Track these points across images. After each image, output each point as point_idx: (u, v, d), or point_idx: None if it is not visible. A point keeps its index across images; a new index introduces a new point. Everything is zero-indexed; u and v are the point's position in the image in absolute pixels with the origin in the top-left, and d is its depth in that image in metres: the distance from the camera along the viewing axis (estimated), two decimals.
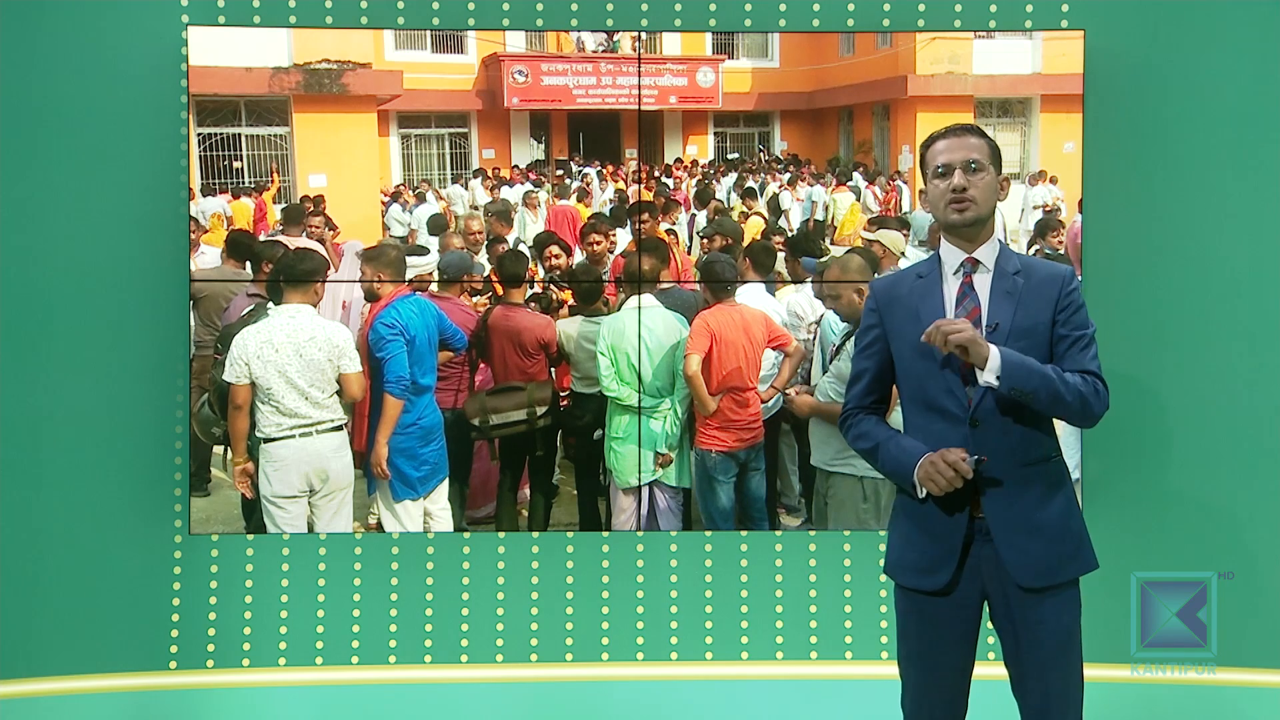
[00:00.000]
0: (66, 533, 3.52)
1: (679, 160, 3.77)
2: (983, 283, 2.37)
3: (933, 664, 2.41)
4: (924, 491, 2.34)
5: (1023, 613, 2.33)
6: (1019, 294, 2.34)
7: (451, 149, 3.77)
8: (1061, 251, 3.61)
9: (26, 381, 3.51)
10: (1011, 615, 2.35)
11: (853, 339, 3.45)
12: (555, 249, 3.69)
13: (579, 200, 3.81)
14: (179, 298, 3.50)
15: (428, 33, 3.61)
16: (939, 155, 2.36)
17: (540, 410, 3.61)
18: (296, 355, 3.42)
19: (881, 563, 3.55)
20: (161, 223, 3.52)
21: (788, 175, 3.77)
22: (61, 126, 3.49)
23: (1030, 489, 2.33)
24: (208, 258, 3.58)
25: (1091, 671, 3.56)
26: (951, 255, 2.39)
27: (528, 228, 3.75)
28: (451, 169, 3.76)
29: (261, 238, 3.60)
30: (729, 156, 3.81)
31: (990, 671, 2.53)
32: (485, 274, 3.68)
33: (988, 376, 2.24)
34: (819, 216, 3.76)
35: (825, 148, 3.79)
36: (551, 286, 3.68)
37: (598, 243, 3.69)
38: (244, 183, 3.62)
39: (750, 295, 3.62)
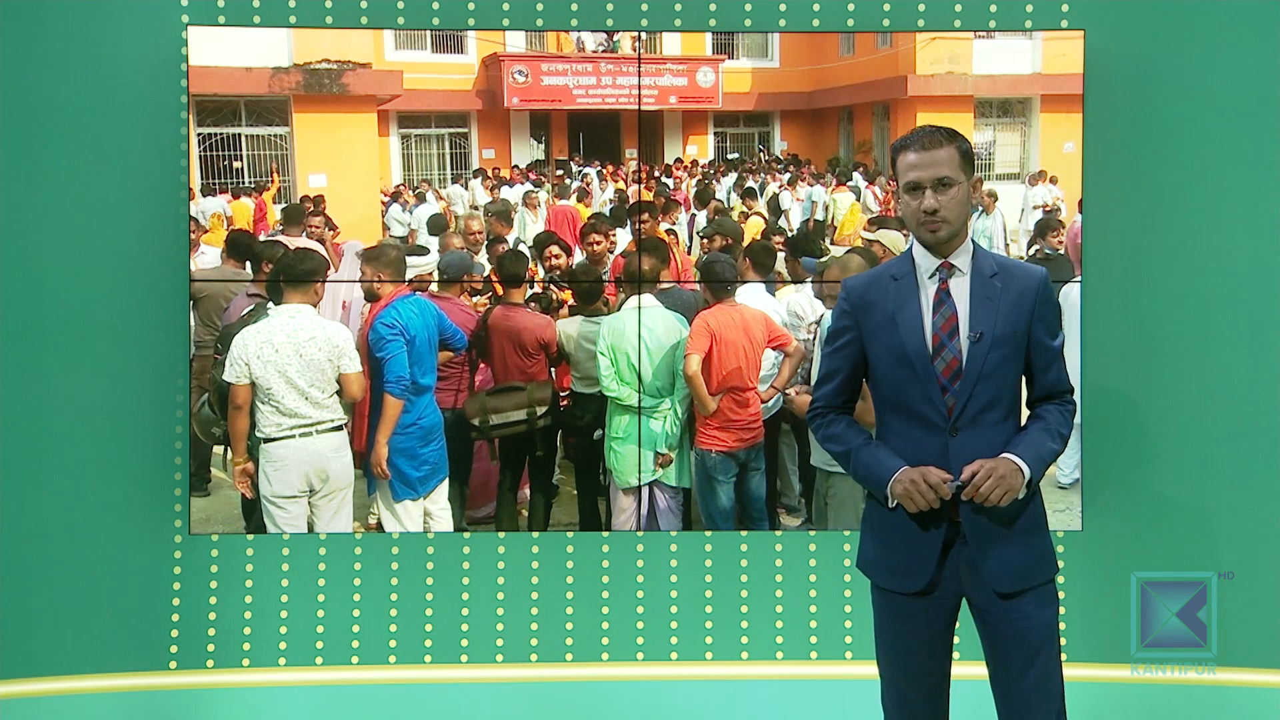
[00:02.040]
0: (67, 533, 3.52)
1: (679, 160, 3.77)
2: (960, 287, 2.36)
3: (910, 663, 2.42)
4: (894, 502, 2.36)
5: (1003, 611, 2.35)
6: (998, 299, 2.34)
7: (451, 149, 3.77)
8: (1061, 251, 3.62)
9: (27, 381, 3.51)
10: (992, 613, 2.36)
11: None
12: (555, 249, 3.70)
13: (579, 200, 3.81)
14: (179, 298, 3.50)
15: (428, 33, 3.61)
16: (909, 171, 2.34)
17: (540, 410, 3.61)
18: (296, 355, 3.42)
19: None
20: (161, 223, 3.52)
21: (788, 175, 3.77)
22: (61, 126, 3.49)
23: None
24: (208, 258, 3.58)
25: (1091, 671, 3.59)
26: (926, 259, 2.39)
27: (528, 228, 3.76)
28: (451, 169, 3.76)
29: (261, 238, 3.60)
30: (729, 156, 3.81)
31: (973, 671, 2.53)
32: (485, 274, 3.68)
33: (1020, 494, 2.30)
34: (819, 216, 3.76)
35: (825, 148, 3.80)
36: (551, 286, 3.68)
37: (598, 243, 3.69)
38: (244, 183, 3.62)
39: (750, 295, 3.62)
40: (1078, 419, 3.37)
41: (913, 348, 2.34)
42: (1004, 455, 2.30)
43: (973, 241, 2.41)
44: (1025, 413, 2.46)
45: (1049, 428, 2.38)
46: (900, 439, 2.38)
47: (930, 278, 2.38)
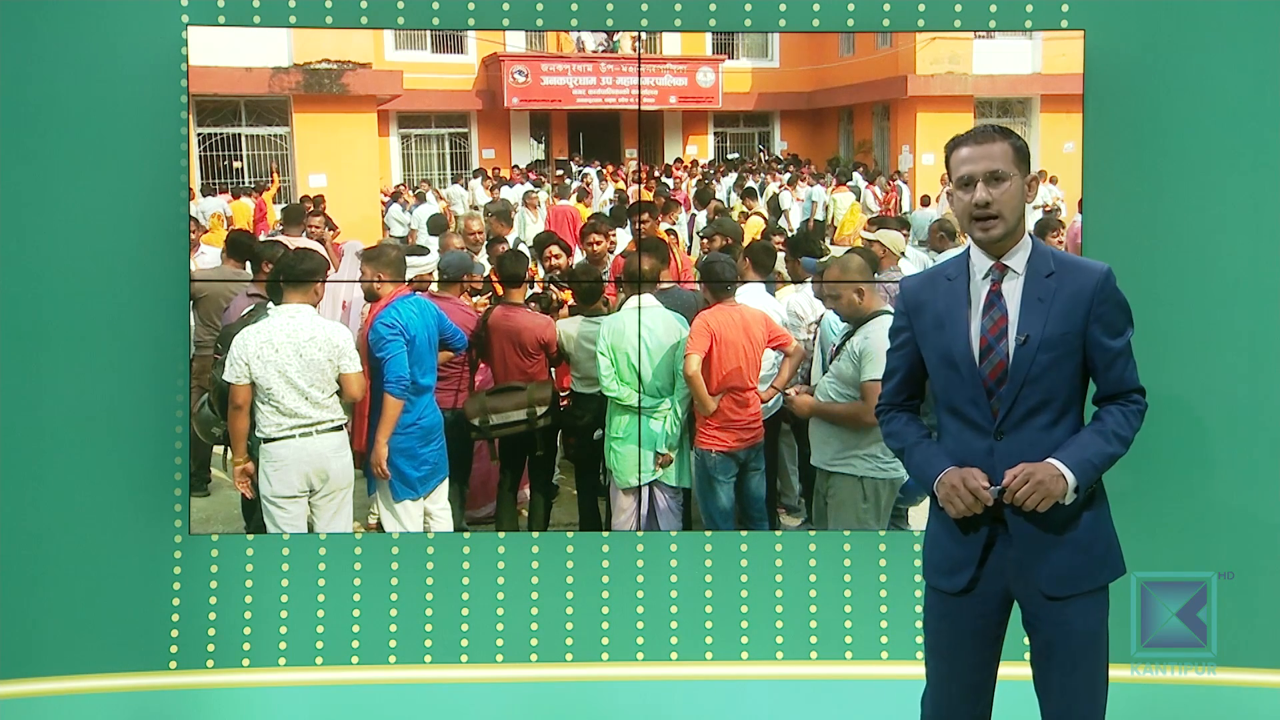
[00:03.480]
0: (66, 533, 3.52)
1: (679, 160, 3.77)
2: (1013, 289, 2.32)
3: (953, 660, 2.41)
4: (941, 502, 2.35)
5: (1048, 615, 2.32)
6: (1050, 300, 2.29)
7: (451, 149, 3.77)
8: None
9: (26, 381, 3.51)
10: (1038, 616, 2.34)
11: (852, 339, 3.47)
12: (555, 249, 3.69)
13: (579, 200, 3.81)
14: (179, 298, 3.50)
15: (428, 33, 3.61)
16: (962, 165, 2.31)
17: (540, 410, 3.61)
18: (296, 355, 3.42)
19: (883, 563, 3.61)
20: (161, 223, 3.51)
21: (788, 175, 3.77)
22: (61, 126, 3.49)
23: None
24: (208, 258, 3.58)
25: None
26: (980, 259, 2.35)
27: (528, 228, 3.75)
28: (451, 169, 3.76)
29: (261, 238, 3.60)
30: (729, 156, 3.81)
31: (1016, 671, 2.52)
32: (485, 274, 3.68)
33: (1067, 499, 2.27)
34: (819, 216, 3.76)
35: (825, 148, 3.79)
36: (551, 286, 3.68)
37: (598, 243, 3.69)
38: (244, 183, 3.62)
39: (750, 295, 3.62)
40: None
41: (959, 350, 2.32)
42: (1047, 460, 2.27)
43: (1031, 238, 2.36)
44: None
45: (1104, 430, 2.33)
46: (951, 439, 2.37)
47: (984, 278, 2.35)
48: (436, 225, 3.72)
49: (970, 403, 2.32)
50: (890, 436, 2.49)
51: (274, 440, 3.44)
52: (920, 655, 2.57)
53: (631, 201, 3.66)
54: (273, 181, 3.64)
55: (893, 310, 2.76)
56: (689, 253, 3.76)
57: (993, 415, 2.31)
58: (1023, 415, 2.30)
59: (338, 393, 3.47)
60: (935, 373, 2.39)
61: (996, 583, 2.35)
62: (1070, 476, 2.25)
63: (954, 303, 2.35)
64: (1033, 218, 3.68)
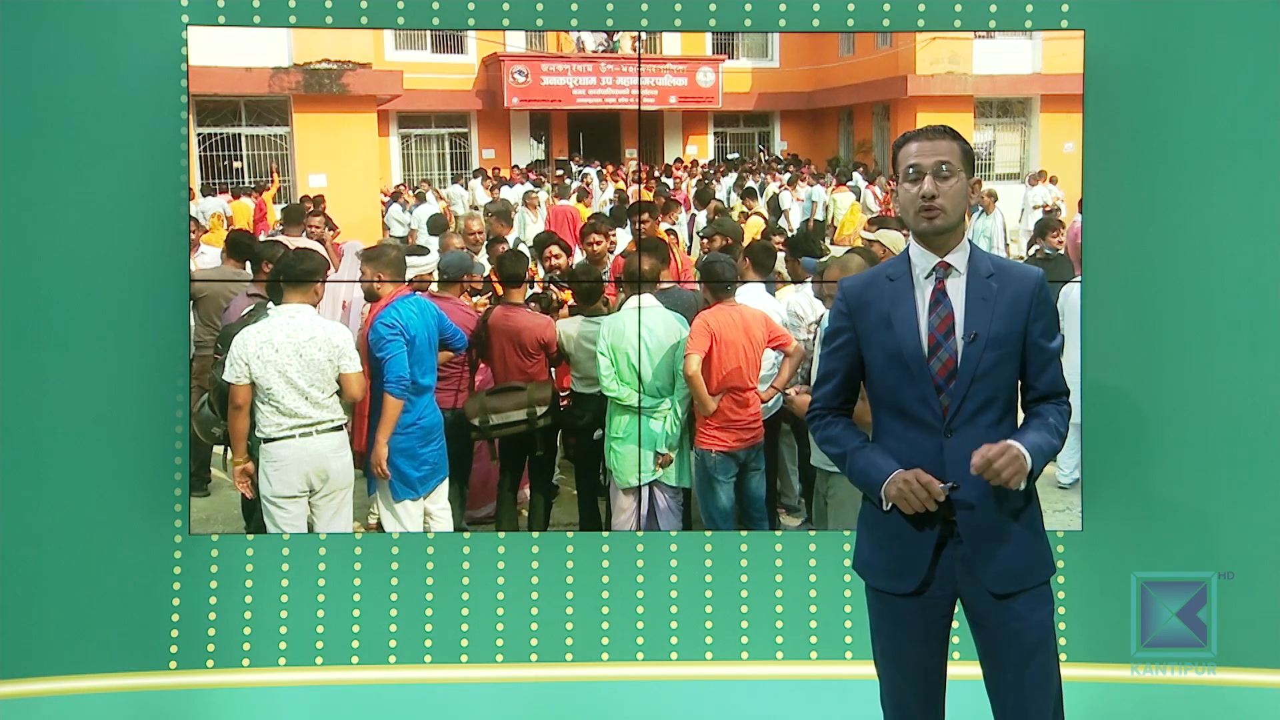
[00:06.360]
0: (66, 533, 3.52)
1: (679, 160, 3.77)
2: (956, 287, 2.36)
3: (906, 663, 2.43)
4: (889, 504, 2.36)
5: (998, 612, 2.34)
6: (994, 300, 2.34)
7: (451, 149, 3.77)
8: (1061, 251, 3.62)
9: (26, 381, 3.51)
10: (987, 615, 2.36)
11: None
12: (555, 249, 3.70)
13: (579, 200, 3.81)
14: (179, 298, 3.50)
15: (428, 33, 3.61)
16: (910, 157, 2.36)
17: (540, 410, 3.61)
18: (296, 355, 3.42)
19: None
20: (161, 223, 3.52)
21: (788, 175, 3.77)
22: (61, 127, 3.49)
23: (1003, 497, 2.32)
24: (208, 258, 3.58)
25: (1091, 671, 3.59)
26: (923, 259, 2.39)
27: (528, 228, 3.76)
28: (451, 169, 3.76)
29: (261, 238, 3.61)
30: (729, 156, 3.81)
31: (971, 671, 2.53)
32: (485, 274, 3.68)
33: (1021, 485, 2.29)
34: (819, 216, 3.76)
35: (825, 148, 3.80)
36: (551, 286, 3.68)
37: (598, 243, 3.69)
38: (244, 183, 3.62)
39: (750, 295, 3.62)
40: (1076, 419, 3.38)
41: (908, 348, 2.34)
42: (1008, 441, 2.29)
43: (970, 242, 2.41)
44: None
45: (1047, 424, 2.37)
46: (896, 440, 2.38)
47: (926, 278, 2.38)
48: (436, 225, 3.72)
49: (919, 401, 2.33)
50: (827, 441, 2.48)
51: (274, 440, 3.45)
52: None
53: (631, 201, 3.66)
54: (273, 181, 3.64)
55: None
56: (689, 253, 3.76)
57: (943, 413, 2.32)
58: (971, 413, 2.32)
59: (338, 393, 3.48)
60: (881, 372, 2.40)
61: (945, 584, 2.37)
62: (1028, 460, 2.28)
63: (899, 301, 2.37)
64: (1033, 218, 3.69)
